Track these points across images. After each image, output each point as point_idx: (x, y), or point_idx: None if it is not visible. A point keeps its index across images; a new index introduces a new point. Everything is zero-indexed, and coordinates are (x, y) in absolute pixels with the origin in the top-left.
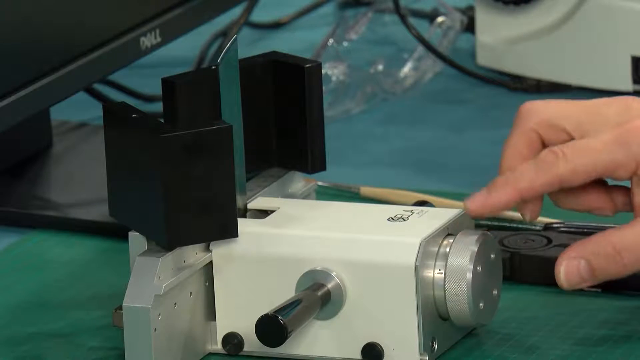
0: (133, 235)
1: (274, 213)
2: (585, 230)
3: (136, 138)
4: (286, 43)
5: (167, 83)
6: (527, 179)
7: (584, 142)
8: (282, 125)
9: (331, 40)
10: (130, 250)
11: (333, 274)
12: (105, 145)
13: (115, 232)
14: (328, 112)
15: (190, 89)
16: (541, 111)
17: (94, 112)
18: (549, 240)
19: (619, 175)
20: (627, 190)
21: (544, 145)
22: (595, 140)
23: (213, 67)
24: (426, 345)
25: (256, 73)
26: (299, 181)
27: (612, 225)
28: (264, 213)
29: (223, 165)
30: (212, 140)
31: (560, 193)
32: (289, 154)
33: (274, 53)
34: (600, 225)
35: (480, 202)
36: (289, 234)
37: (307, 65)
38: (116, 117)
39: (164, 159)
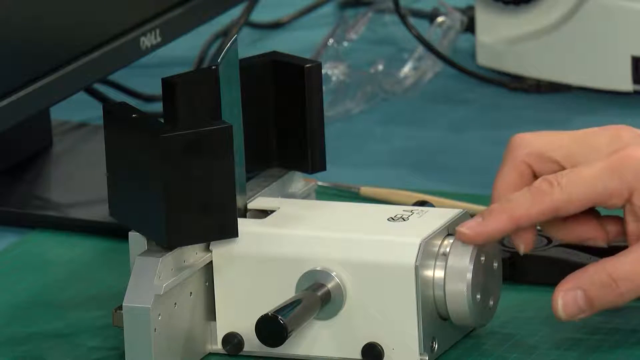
0: (133, 235)
1: (274, 213)
2: None
3: (136, 138)
4: (286, 43)
5: (167, 83)
6: (523, 207)
7: (577, 172)
8: (282, 125)
9: (331, 40)
10: (130, 250)
11: (333, 274)
12: (105, 145)
13: (115, 232)
14: (328, 112)
15: (190, 89)
16: (531, 143)
17: (94, 112)
18: (549, 240)
19: (612, 204)
20: (619, 220)
21: (535, 176)
22: (589, 169)
23: (213, 67)
24: (426, 345)
25: (256, 73)
26: (299, 181)
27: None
28: (264, 213)
29: (223, 165)
30: (212, 140)
31: (553, 224)
32: (289, 154)
33: (274, 53)
34: None
35: (475, 229)
36: (289, 234)
37: (307, 65)
38: (116, 117)
39: (164, 159)
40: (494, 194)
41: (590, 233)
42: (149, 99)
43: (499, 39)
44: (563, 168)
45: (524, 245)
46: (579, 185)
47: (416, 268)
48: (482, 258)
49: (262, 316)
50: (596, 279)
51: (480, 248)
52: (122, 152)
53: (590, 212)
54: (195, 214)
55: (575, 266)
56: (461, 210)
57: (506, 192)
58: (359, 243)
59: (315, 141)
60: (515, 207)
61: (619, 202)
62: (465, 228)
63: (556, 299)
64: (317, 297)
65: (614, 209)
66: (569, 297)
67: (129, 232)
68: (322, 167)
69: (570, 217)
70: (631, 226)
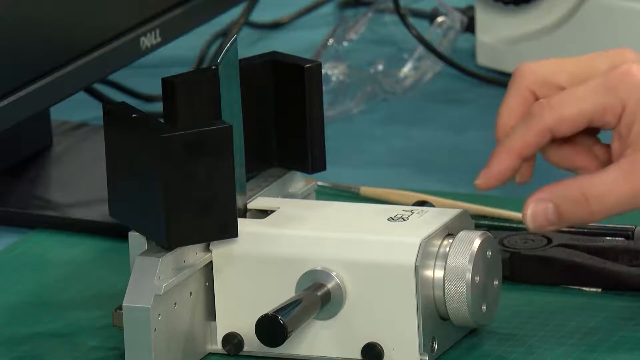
0: (133, 235)
1: (274, 213)
2: (585, 230)
3: (136, 138)
4: (286, 43)
5: (167, 83)
6: (519, 137)
7: (571, 90)
8: (282, 125)
9: (331, 40)
10: (130, 250)
11: (333, 274)
12: (105, 145)
13: (115, 232)
14: (328, 112)
15: (190, 89)
16: (535, 71)
17: (94, 112)
18: (549, 240)
19: (607, 121)
20: (609, 147)
21: None
22: (583, 87)
23: (213, 67)
24: (426, 345)
25: (256, 73)
26: (299, 181)
27: (613, 225)
28: (264, 213)
29: (223, 165)
30: (212, 140)
31: (550, 148)
32: (289, 154)
33: (274, 53)
34: (599, 225)
35: (485, 175)
36: (289, 234)
37: (307, 65)
38: (116, 117)
39: (164, 159)
40: (498, 122)
41: (583, 162)
42: (149, 99)
43: (499, 39)
44: None
45: (519, 177)
46: (570, 103)
47: (416, 268)
48: (482, 258)
49: (262, 316)
50: (569, 195)
51: (480, 248)
52: (122, 152)
53: (587, 139)
54: (195, 214)
55: (575, 266)
56: (461, 210)
57: (509, 119)
58: (359, 243)
59: (315, 141)
60: (513, 139)
61: (613, 119)
62: (477, 179)
63: (526, 208)
64: (317, 297)
65: (610, 128)
66: (539, 208)
67: (129, 232)
68: (322, 167)
69: (567, 143)
70: (615, 145)
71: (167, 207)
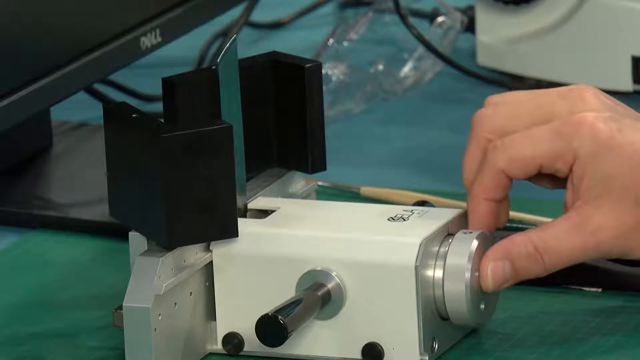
0: (133, 235)
1: (274, 213)
2: None
3: (136, 138)
4: (286, 43)
5: (167, 83)
6: (478, 182)
7: (525, 132)
8: (282, 125)
9: (331, 40)
10: (130, 250)
11: (333, 273)
12: (105, 145)
13: (115, 232)
14: (328, 112)
15: (190, 89)
16: (491, 120)
17: (94, 112)
18: None
19: (558, 169)
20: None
21: None
22: (537, 130)
23: (213, 67)
24: (426, 345)
25: (256, 73)
26: (299, 181)
27: None
28: (264, 213)
29: (223, 165)
30: (212, 140)
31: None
32: (289, 154)
33: (274, 53)
34: None
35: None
36: (289, 234)
37: (307, 65)
38: (116, 117)
39: (164, 159)
40: (464, 174)
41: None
42: (149, 99)
43: (499, 39)
44: None
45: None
46: (522, 144)
47: (416, 268)
48: (481, 257)
49: (262, 316)
50: (523, 251)
51: (479, 247)
52: (122, 152)
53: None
54: (196, 214)
55: (575, 266)
56: (461, 210)
57: (472, 168)
58: (359, 243)
59: (315, 141)
60: (476, 188)
61: (564, 168)
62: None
63: (485, 269)
64: (317, 297)
65: (562, 176)
66: (497, 267)
67: (129, 232)
68: (322, 167)
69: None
70: (568, 193)
71: (167, 207)
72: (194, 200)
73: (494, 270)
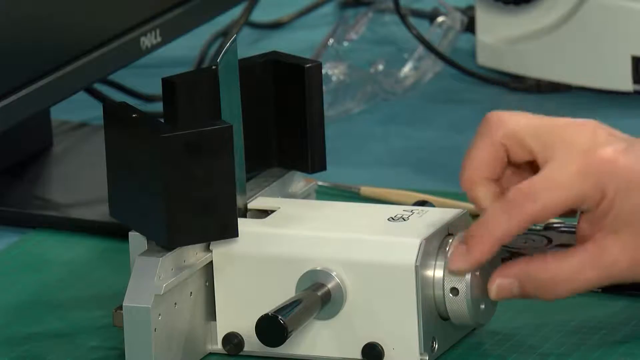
0: (133, 235)
1: (274, 213)
2: None
3: (136, 138)
4: (286, 43)
5: (167, 83)
6: (501, 226)
7: (550, 178)
8: (282, 125)
9: (331, 40)
10: (131, 250)
11: (333, 273)
12: (105, 145)
13: (115, 232)
14: (328, 112)
15: (190, 89)
16: (508, 124)
17: (94, 112)
18: (549, 240)
19: (585, 208)
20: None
21: (508, 159)
22: (561, 173)
23: (213, 67)
24: (426, 345)
25: (256, 73)
26: (299, 181)
27: None
28: (264, 213)
29: (223, 165)
30: (212, 140)
31: None
32: (289, 154)
33: (274, 53)
34: None
35: (464, 260)
36: (289, 234)
37: (307, 65)
38: (116, 117)
39: (165, 159)
40: (465, 173)
41: None
42: (149, 99)
43: (499, 39)
44: (534, 158)
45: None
46: (552, 193)
47: (416, 268)
48: None
49: (262, 316)
50: (535, 278)
51: None
52: (122, 152)
53: None
54: (195, 214)
55: None
56: (461, 210)
57: (478, 171)
58: (359, 243)
59: (315, 141)
60: (494, 228)
61: (592, 205)
62: (453, 262)
63: (494, 282)
64: (317, 297)
65: (587, 212)
66: (505, 284)
67: (129, 232)
68: (322, 167)
69: None
70: (582, 225)
71: (167, 207)
72: (194, 200)
73: (500, 286)
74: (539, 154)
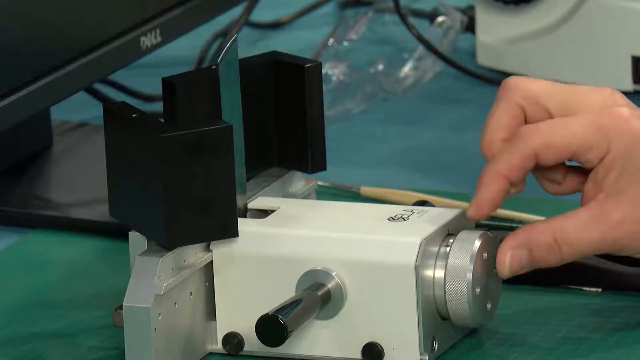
0: (133, 235)
1: (274, 213)
2: None
3: (136, 138)
4: (286, 43)
5: (167, 83)
6: (505, 159)
7: (562, 120)
8: (282, 125)
9: (331, 40)
10: (131, 250)
11: (333, 273)
12: (105, 145)
13: (115, 232)
14: (328, 112)
15: (190, 89)
16: (526, 87)
17: (94, 112)
18: None
19: (589, 159)
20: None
21: (526, 122)
22: (574, 120)
23: (213, 67)
24: (426, 345)
25: (256, 73)
26: (299, 181)
27: None
28: (264, 213)
29: (223, 165)
30: (212, 140)
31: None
32: (289, 154)
33: (274, 53)
34: None
35: (476, 205)
36: (289, 234)
37: (307, 65)
38: (116, 117)
39: (165, 159)
40: (485, 136)
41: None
42: (149, 99)
43: (499, 39)
44: (552, 117)
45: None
46: (560, 132)
47: (416, 268)
48: (482, 258)
49: (262, 316)
50: (542, 241)
51: (481, 248)
52: (122, 152)
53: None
54: (196, 214)
55: (575, 266)
56: (461, 210)
57: (497, 133)
58: (359, 243)
59: (315, 141)
60: (499, 162)
61: (595, 159)
62: (469, 211)
63: (504, 257)
64: (317, 297)
65: (589, 167)
66: (515, 256)
67: (129, 232)
68: (322, 167)
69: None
70: (589, 185)
71: (167, 207)
72: (194, 200)
73: (512, 257)
74: (556, 112)
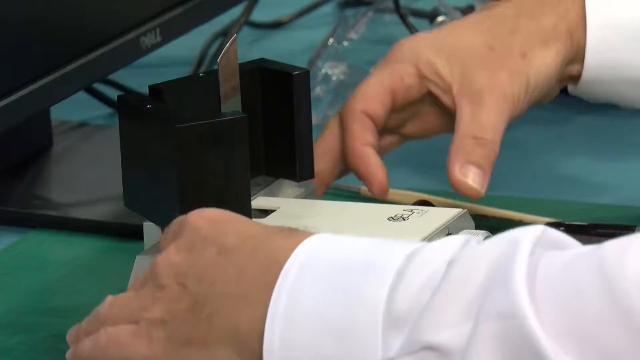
0: (148, 225)
1: (274, 213)
2: (586, 229)
3: (151, 128)
4: (286, 43)
5: (154, 90)
6: (347, 134)
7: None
8: (269, 133)
9: (331, 40)
10: (145, 240)
11: None
12: (119, 135)
13: (115, 232)
14: (328, 112)
15: (179, 97)
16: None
17: (94, 112)
18: None
19: (411, 84)
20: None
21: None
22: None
23: (201, 75)
24: None
25: (244, 80)
26: (287, 189)
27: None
28: (264, 213)
29: (238, 156)
30: (227, 131)
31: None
32: (277, 161)
33: (262, 60)
34: (599, 224)
35: (371, 184)
36: None
37: (295, 73)
38: (131, 107)
39: (179, 150)
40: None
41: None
42: None
43: None
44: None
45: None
46: (365, 82)
47: None
48: None
49: None
50: (476, 150)
51: None
52: (137, 142)
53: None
54: (210, 205)
55: None
56: (461, 210)
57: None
58: None
59: (303, 149)
60: (348, 138)
61: (417, 81)
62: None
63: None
64: None
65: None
66: (476, 176)
67: (144, 222)
68: (310, 175)
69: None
70: (445, 99)
71: (181, 197)
72: (209, 190)
73: (474, 179)
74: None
